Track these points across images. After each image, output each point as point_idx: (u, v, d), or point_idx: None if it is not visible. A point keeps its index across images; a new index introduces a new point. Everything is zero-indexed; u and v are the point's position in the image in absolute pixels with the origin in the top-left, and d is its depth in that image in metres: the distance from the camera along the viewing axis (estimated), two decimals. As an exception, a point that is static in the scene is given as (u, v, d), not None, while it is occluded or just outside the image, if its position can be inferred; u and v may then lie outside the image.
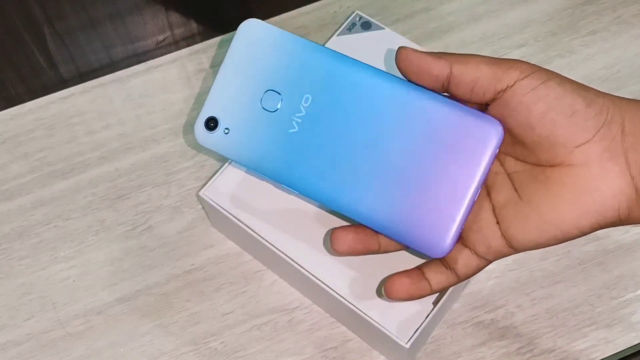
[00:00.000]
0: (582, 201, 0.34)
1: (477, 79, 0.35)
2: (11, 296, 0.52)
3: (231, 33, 0.61)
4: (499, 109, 0.36)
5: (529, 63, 0.36)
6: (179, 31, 0.62)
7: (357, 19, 0.54)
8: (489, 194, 0.38)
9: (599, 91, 0.35)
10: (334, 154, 0.38)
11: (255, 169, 0.40)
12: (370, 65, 0.39)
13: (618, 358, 0.49)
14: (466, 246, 0.38)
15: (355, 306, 0.44)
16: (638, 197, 0.34)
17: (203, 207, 0.54)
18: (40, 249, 0.53)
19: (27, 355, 0.50)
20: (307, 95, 0.39)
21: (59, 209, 0.55)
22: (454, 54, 0.37)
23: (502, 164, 0.38)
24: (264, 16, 0.61)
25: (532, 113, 0.34)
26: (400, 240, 0.38)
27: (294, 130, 0.39)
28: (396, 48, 0.36)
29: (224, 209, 0.47)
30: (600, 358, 0.48)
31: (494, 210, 0.37)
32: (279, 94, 0.39)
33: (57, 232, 0.54)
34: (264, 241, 0.46)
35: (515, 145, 0.37)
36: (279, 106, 0.39)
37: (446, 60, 0.36)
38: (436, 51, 0.37)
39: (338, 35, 0.53)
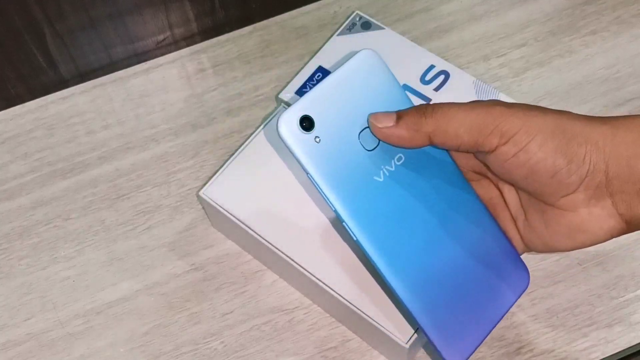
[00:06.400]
0: (577, 238, 0.36)
1: (459, 146, 0.36)
2: (11, 296, 0.52)
3: (231, 33, 0.61)
4: (486, 163, 0.37)
5: (513, 116, 0.35)
6: (179, 31, 0.62)
7: (357, 19, 0.54)
8: (502, 194, 0.39)
9: (582, 133, 0.34)
10: (399, 221, 0.38)
11: (324, 191, 0.37)
12: (455, 164, 0.39)
13: (618, 358, 0.49)
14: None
15: (355, 306, 0.44)
16: (629, 226, 0.35)
17: (203, 207, 0.54)
18: (40, 249, 0.53)
19: (27, 355, 0.50)
20: (401, 154, 0.38)
21: (59, 209, 0.55)
22: (436, 111, 0.36)
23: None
24: (264, 16, 0.62)
25: (515, 175, 0.35)
26: (426, 332, 0.38)
27: (379, 179, 0.38)
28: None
29: (224, 209, 0.47)
30: (600, 358, 0.48)
31: (510, 212, 0.39)
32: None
33: (57, 232, 0.54)
34: (264, 241, 0.46)
35: None
36: (374, 148, 0.38)
37: (425, 134, 0.36)
38: (415, 108, 0.37)
39: (338, 35, 0.53)
